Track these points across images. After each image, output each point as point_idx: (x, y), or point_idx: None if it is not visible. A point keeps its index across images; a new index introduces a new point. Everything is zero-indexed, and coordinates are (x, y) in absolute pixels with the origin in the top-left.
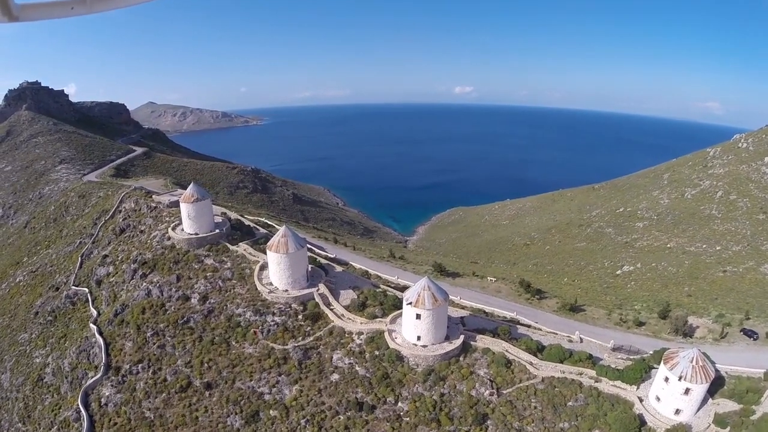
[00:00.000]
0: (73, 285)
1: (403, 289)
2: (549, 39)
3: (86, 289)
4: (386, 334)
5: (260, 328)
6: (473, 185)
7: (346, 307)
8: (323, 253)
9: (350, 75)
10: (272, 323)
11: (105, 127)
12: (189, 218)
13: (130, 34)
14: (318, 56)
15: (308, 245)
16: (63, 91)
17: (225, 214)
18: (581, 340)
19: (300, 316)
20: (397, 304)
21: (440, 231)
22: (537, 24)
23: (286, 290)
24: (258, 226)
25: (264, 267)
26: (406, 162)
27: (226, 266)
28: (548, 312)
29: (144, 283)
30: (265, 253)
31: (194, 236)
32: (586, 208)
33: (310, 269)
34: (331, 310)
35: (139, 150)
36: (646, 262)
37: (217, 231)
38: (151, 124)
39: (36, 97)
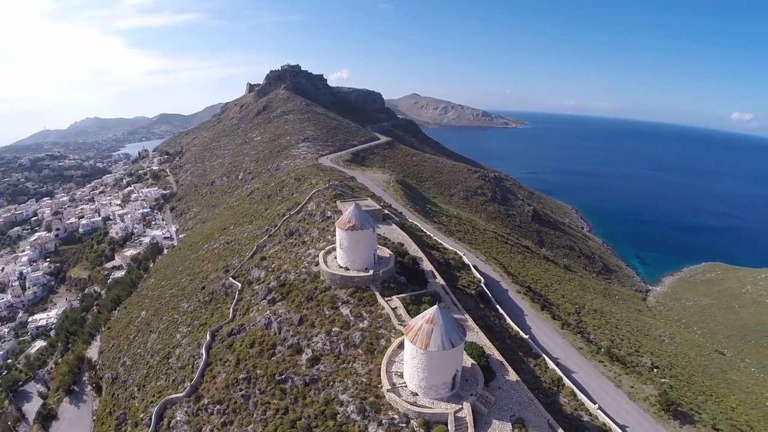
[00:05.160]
0: (232, 276)
1: None
2: None
3: (239, 285)
4: None
5: None
6: (745, 238)
7: None
8: (514, 326)
9: (617, 86)
10: None
11: (358, 112)
12: (341, 248)
13: (399, 29)
14: (584, 63)
15: (500, 310)
16: (322, 75)
17: (403, 245)
18: None
19: None
20: None
21: (690, 289)
22: None
23: (415, 394)
24: (436, 273)
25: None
26: (672, 194)
27: (360, 325)
28: None
29: (268, 312)
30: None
31: (342, 272)
32: None
33: (469, 365)
34: None
35: (382, 139)
36: None
37: (371, 272)
38: (414, 114)
39: (294, 79)
